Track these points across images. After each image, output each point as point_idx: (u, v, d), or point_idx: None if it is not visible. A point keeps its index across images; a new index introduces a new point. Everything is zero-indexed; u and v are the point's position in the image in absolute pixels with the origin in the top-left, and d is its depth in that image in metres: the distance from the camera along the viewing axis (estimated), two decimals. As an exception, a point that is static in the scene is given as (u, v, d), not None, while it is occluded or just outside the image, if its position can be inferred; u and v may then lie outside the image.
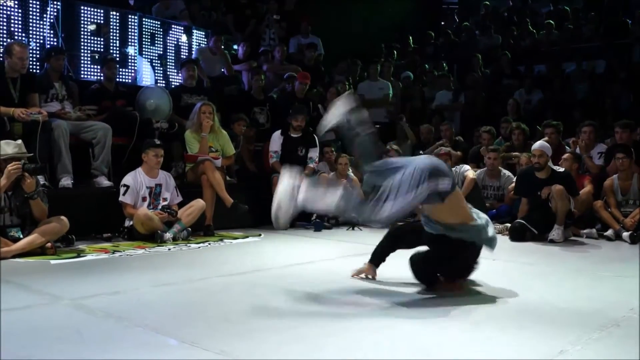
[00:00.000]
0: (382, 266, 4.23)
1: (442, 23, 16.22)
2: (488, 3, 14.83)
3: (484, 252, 3.93)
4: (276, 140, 7.62)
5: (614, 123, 7.94)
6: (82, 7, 7.63)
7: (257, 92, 8.78)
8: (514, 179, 7.25)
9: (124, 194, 5.98)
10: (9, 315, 3.15)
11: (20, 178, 4.89)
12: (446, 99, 10.82)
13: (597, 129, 7.79)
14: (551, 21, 13.06)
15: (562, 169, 6.71)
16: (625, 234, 6.41)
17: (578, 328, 3.08)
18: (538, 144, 6.70)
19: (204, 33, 9.28)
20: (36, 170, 5.01)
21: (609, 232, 6.60)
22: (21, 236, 4.96)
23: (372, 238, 4.10)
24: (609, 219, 6.67)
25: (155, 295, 3.79)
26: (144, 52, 8.34)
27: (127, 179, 6.04)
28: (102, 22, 7.86)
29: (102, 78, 7.27)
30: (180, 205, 6.27)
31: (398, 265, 4.06)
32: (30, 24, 7.24)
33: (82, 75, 7.62)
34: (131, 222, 5.96)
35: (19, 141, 5.14)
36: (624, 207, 6.77)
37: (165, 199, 6.20)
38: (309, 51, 10.30)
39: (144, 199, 6.07)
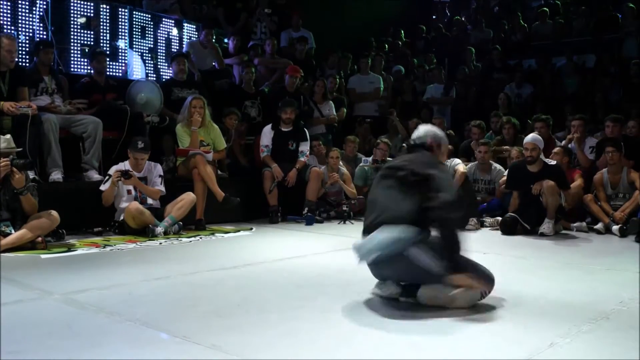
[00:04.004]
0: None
1: (434, 17, 16.23)
2: (479, -3, 14.88)
3: (476, 246, 3.93)
4: (267, 135, 7.60)
5: (604, 117, 7.98)
6: (72, 0, 7.54)
7: (248, 85, 8.75)
8: (505, 173, 7.28)
9: (104, 183, 5.99)
10: None
11: (9, 174, 4.86)
12: (437, 92, 10.83)
13: (587, 123, 7.84)
14: (545, 9, 13.09)
15: (553, 162, 6.72)
16: (615, 228, 6.44)
17: (568, 321, 3.10)
18: (530, 137, 6.71)
19: (194, 26, 9.22)
20: (25, 165, 4.96)
21: (599, 226, 6.64)
22: (12, 231, 4.93)
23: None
24: (599, 212, 6.72)
25: (146, 290, 3.78)
26: (134, 46, 8.28)
27: (112, 170, 6.04)
28: (92, 15, 7.77)
29: (92, 71, 7.23)
30: (171, 199, 6.25)
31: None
32: (20, 17, 7.16)
33: (72, 69, 7.56)
34: (122, 217, 5.95)
35: (8, 136, 5.10)
36: (614, 201, 6.81)
37: (150, 190, 6.20)
38: (300, 45, 10.26)
39: (128, 192, 6.06)
